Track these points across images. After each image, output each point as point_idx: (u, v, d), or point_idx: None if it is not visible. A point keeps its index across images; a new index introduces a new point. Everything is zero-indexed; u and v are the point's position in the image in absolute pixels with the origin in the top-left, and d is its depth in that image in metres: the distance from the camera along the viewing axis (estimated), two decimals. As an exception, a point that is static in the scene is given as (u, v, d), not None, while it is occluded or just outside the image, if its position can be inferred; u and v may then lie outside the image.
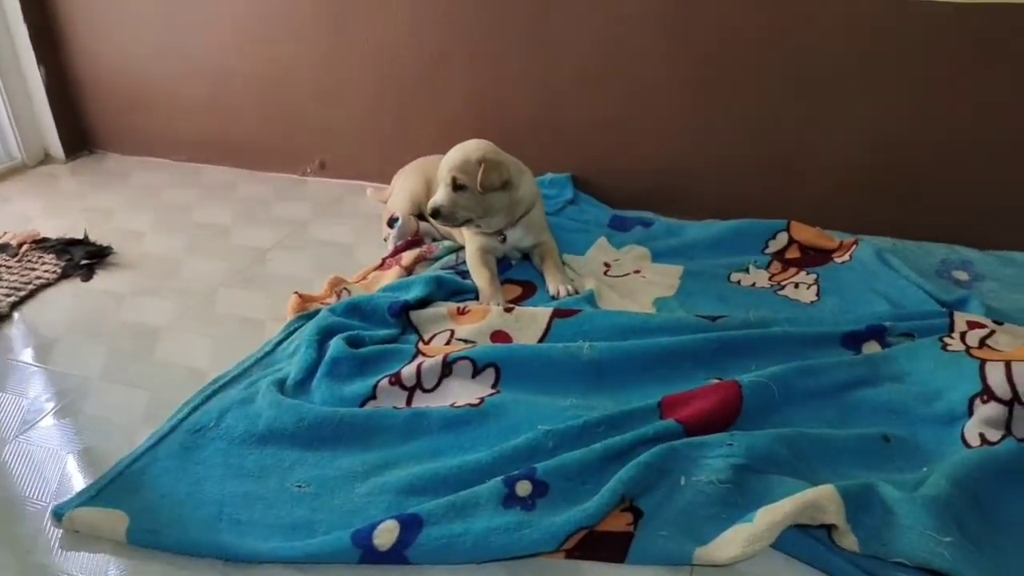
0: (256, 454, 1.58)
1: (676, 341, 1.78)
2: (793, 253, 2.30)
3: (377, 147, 2.97)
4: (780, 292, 2.11)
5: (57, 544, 1.41)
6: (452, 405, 1.67)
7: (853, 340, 1.80)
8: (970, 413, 1.53)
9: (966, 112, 2.22)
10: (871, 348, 1.78)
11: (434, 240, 2.47)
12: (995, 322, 1.80)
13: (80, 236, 2.60)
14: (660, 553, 1.30)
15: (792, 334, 1.81)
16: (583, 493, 1.39)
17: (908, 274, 2.07)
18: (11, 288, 2.29)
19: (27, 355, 2.00)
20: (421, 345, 1.89)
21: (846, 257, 2.22)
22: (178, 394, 1.77)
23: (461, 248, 2.34)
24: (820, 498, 1.27)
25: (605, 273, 2.26)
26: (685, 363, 1.75)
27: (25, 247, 2.54)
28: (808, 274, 2.18)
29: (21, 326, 2.14)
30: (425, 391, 1.73)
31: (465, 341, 1.89)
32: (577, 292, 2.10)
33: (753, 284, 2.17)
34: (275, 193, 3.02)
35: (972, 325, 1.78)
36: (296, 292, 2.13)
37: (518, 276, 2.24)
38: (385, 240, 2.52)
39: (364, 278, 2.26)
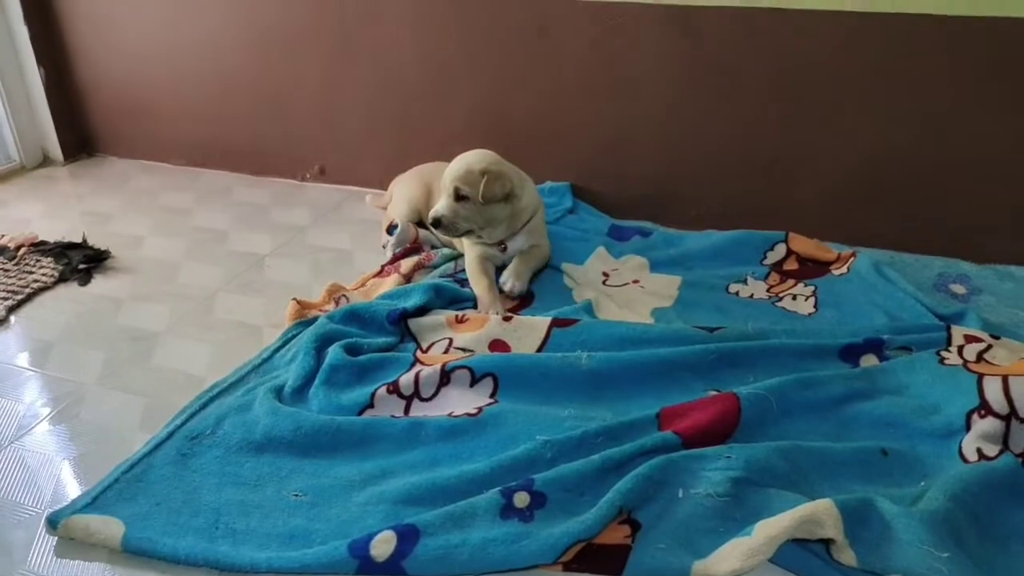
0: (253, 462, 1.57)
1: (674, 352, 1.78)
2: (791, 265, 2.30)
3: (377, 154, 2.98)
4: (778, 304, 2.12)
5: (52, 552, 1.40)
6: (450, 414, 1.66)
7: (851, 353, 1.81)
8: (968, 427, 1.53)
9: (965, 126, 2.23)
10: (869, 361, 1.79)
11: (433, 248, 2.47)
12: (992, 336, 1.80)
13: (78, 240, 2.59)
14: (658, 566, 1.30)
15: (790, 346, 1.81)
16: (581, 505, 1.39)
17: (906, 287, 2.07)
18: (8, 292, 2.28)
19: (23, 359, 1.99)
20: (419, 353, 1.89)
21: (844, 269, 2.22)
22: (175, 400, 1.77)
23: (460, 256, 2.34)
24: (818, 512, 1.27)
25: (604, 283, 2.26)
26: (683, 374, 1.75)
27: (23, 250, 2.53)
28: (806, 286, 2.18)
29: (17, 330, 2.13)
30: (423, 400, 1.73)
31: (463, 350, 1.89)
32: (520, 293, 2.12)
33: (751, 295, 2.17)
34: (274, 199, 3.02)
35: (969, 339, 1.79)
36: (294, 299, 2.13)
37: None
38: (384, 247, 2.52)
39: (363, 285, 2.26)
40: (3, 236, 2.62)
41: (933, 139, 2.28)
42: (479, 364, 1.76)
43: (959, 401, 1.57)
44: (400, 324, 1.99)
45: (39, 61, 3.21)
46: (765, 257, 2.33)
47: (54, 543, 1.41)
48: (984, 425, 1.51)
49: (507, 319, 1.96)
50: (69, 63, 3.31)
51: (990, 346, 1.74)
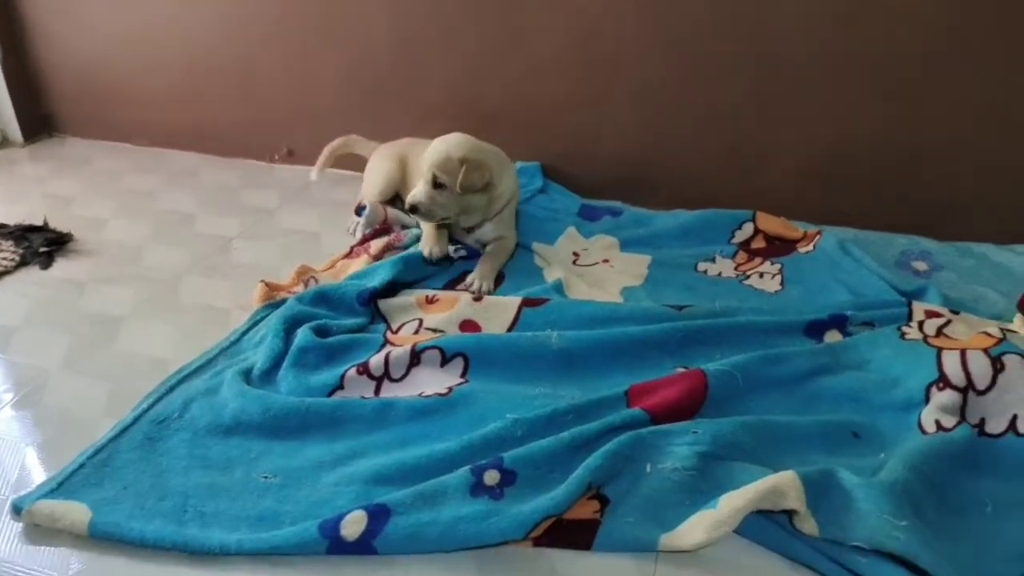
0: (221, 445, 1.56)
1: (643, 330, 1.79)
2: (759, 243, 2.33)
3: (347, 132, 2.93)
4: (745, 282, 2.14)
5: (16, 538, 1.38)
6: (420, 395, 1.67)
7: (816, 329, 1.84)
8: (927, 400, 1.57)
9: (929, 107, 2.27)
10: (833, 337, 1.82)
11: (403, 227, 2.46)
12: (952, 311, 1.84)
13: (39, 223, 2.54)
14: (627, 540, 1.32)
15: (756, 323, 1.84)
16: (551, 481, 1.40)
17: (869, 264, 2.11)
18: (-33, 276, 2.23)
19: (-17, 345, 1.95)
20: (389, 334, 1.89)
21: (810, 247, 2.25)
22: (141, 385, 1.75)
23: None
24: (781, 484, 1.29)
25: (574, 262, 2.27)
26: (652, 352, 1.77)
27: (-19, 234, 2.47)
28: (773, 264, 2.21)
29: (-23, 315, 2.09)
30: (393, 381, 1.73)
31: (434, 330, 1.89)
32: (486, 294, 2.07)
33: (719, 274, 2.20)
34: (241, 180, 2.98)
35: (930, 314, 1.83)
36: (262, 280, 2.11)
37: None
38: (350, 230, 2.50)
39: (332, 267, 2.25)
40: (-39, 220, 2.56)
41: (898, 120, 2.31)
42: (449, 344, 1.76)
43: (919, 375, 1.61)
44: (370, 305, 1.98)
45: (-4, 40, 3.13)
46: (733, 236, 2.35)
47: (19, 529, 1.39)
48: (942, 397, 1.54)
49: (477, 299, 1.96)
50: (29, 42, 3.22)
51: (949, 321, 1.78)
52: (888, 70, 2.27)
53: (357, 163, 2.75)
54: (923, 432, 1.51)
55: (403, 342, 1.81)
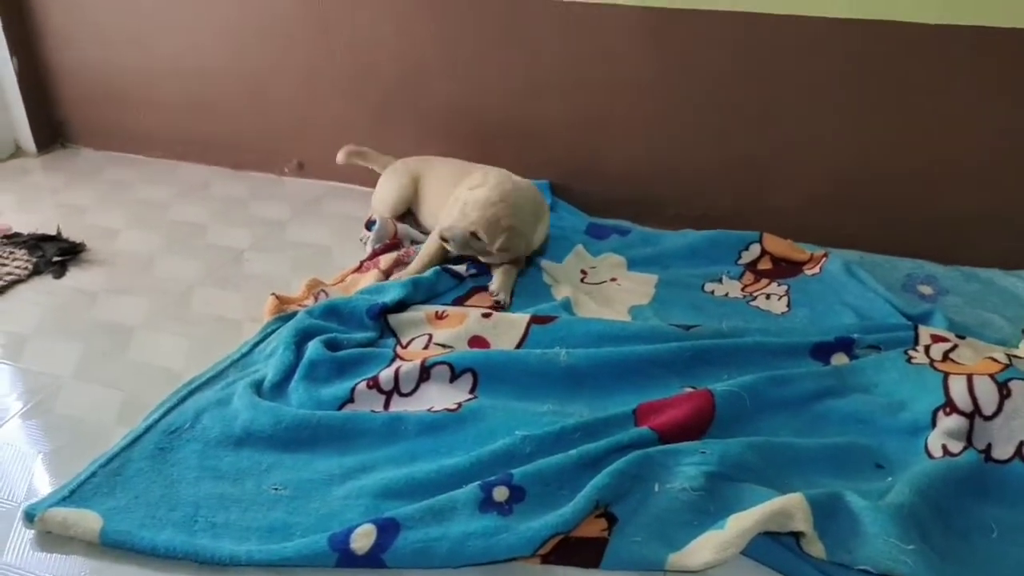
0: (232, 456, 1.58)
1: (651, 349, 1.81)
2: (765, 264, 2.34)
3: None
4: (752, 303, 2.16)
5: (28, 545, 1.39)
6: (430, 410, 1.68)
7: (822, 351, 1.85)
8: (933, 424, 1.58)
9: (936, 131, 2.29)
10: (839, 360, 1.83)
11: (413, 243, 2.48)
12: (958, 336, 1.85)
13: (53, 232, 2.56)
14: (634, 559, 1.33)
15: (763, 344, 1.85)
16: (559, 499, 1.41)
17: (875, 287, 2.12)
18: (-19, 284, 2.26)
19: (-4, 352, 1.97)
20: (399, 349, 1.90)
21: (816, 270, 2.27)
22: (153, 395, 1.76)
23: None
24: (789, 506, 1.30)
25: (582, 280, 2.29)
26: (660, 371, 1.78)
27: (-5, 242, 2.50)
28: (780, 285, 2.23)
29: (-9, 323, 2.11)
30: (403, 395, 1.74)
31: (443, 346, 1.91)
32: (507, 306, 2.11)
33: (726, 294, 2.21)
34: (252, 193, 3.01)
35: (936, 339, 1.84)
36: (273, 293, 2.13)
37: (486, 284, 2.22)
38: (363, 242, 2.52)
39: (342, 280, 2.26)
40: (-25, 228, 2.59)
41: (905, 144, 2.33)
42: (459, 360, 1.77)
43: (925, 399, 1.62)
44: (379, 319, 2.00)
45: (12, 51, 3.16)
46: (740, 257, 2.37)
47: (31, 537, 1.41)
48: (949, 422, 1.55)
49: (486, 315, 1.98)
50: (43, 53, 3.26)
51: (956, 346, 1.79)
52: (896, 94, 2.29)
53: (367, 178, 2.77)
54: (930, 456, 1.52)
55: (413, 357, 1.82)
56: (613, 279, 2.29)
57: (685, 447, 1.50)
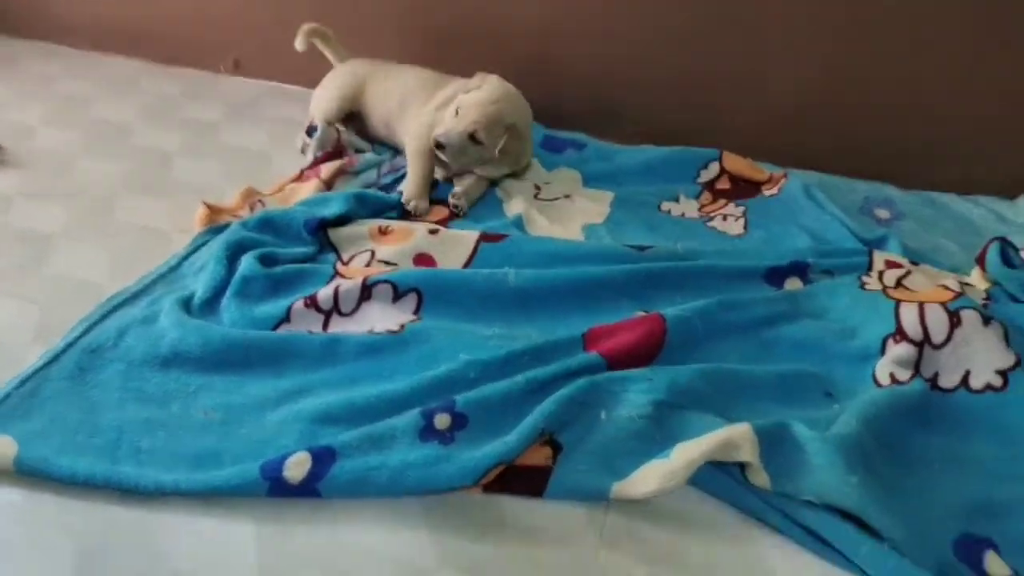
0: (159, 377, 1.48)
1: (603, 271, 1.75)
2: (724, 184, 2.27)
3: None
4: (709, 224, 2.10)
5: (-65, 473, 1.30)
6: (371, 331, 1.60)
7: (776, 275, 1.81)
8: (882, 352, 1.56)
9: (894, 52, 2.21)
10: (793, 284, 1.80)
11: (357, 151, 2.34)
12: (911, 262, 1.83)
13: (-40, 129, 2.35)
14: (578, 487, 1.30)
15: (717, 268, 1.80)
16: (503, 426, 1.36)
17: (833, 210, 2.08)
18: None
19: (-102, 261, 1.81)
20: (339, 266, 1.80)
21: (775, 190, 2.21)
22: (73, 311, 1.64)
23: (383, 162, 2.23)
24: (736, 436, 1.28)
25: (535, 196, 2.19)
26: (611, 294, 1.73)
27: None
28: (737, 206, 2.17)
29: None
30: (343, 315, 1.66)
31: (386, 263, 1.82)
32: (459, 213, 2.05)
33: (683, 214, 2.15)
34: (184, 91, 2.80)
35: (890, 264, 1.81)
36: (204, 202, 1.98)
37: (446, 197, 2.12)
38: (302, 151, 2.37)
39: (280, 190, 2.13)
40: None
41: (863, 65, 2.26)
42: (402, 279, 1.69)
43: (876, 326, 1.60)
44: (319, 233, 1.89)
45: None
46: (698, 175, 2.29)
47: (-63, 463, 1.31)
48: (898, 350, 1.54)
49: (433, 232, 1.88)
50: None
51: (909, 272, 1.77)
52: (863, 15, 2.19)
53: (310, 78, 2.58)
54: (877, 384, 1.51)
55: (354, 275, 1.73)
56: (567, 196, 2.20)
57: (633, 374, 1.45)
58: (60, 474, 1.28)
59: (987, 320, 1.53)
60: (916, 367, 1.52)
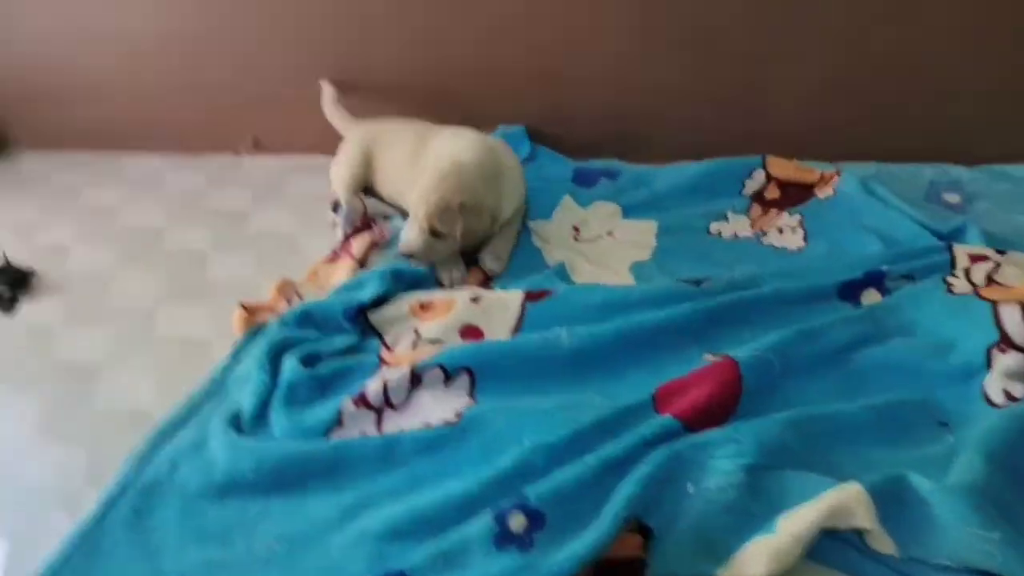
0: (216, 509, 1.42)
1: (662, 317, 1.62)
2: (772, 192, 2.13)
3: (313, 115, 2.70)
4: (764, 240, 1.96)
5: (4, 651, 1.25)
6: (427, 424, 1.51)
7: (850, 290, 1.67)
8: (989, 365, 1.40)
9: (945, 20, 2.03)
10: (871, 298, 1.65)
11: (385, 218, 2.27)
12: (997, 252, 1.67)
13: (-1, 261, 2.35)
14: (678, 578, 1.18)
15: (784, 292, 1.67)
16: (583, 517, 1.25)
17: (897, 204, 1.92)
18: (-76, 334, 2.06)
19: (-56, 415, 1.79)
20: (384, 352, 1.72)
21: (829, 191, 2.06)
22: (123, 444, 1.58)
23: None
24: (846, 500, 1.14)
25: (575, 238, 2.09)
26: (675, 339, 1.60)
27: (-65, 281, 2.28)
28: (791, 215, 2.02)
29: (-62, 378, 1.92)
30: (394, 408, 1.57)
31: (433, 341, 1.73)
32: (497, 275, 1.93)
33: (734, 234, 2.01)
34: (208, 180, 2.77)
35: (975, 258, 1.65)
36: (242, 304, 1.93)
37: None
38: (332, 225, 2.31)
39: (314, 275, 2.06)
40: (-88, 266, 2.36)
41: (911, 37, 2.08)
42: (450, 359, 1.59)
43: (976, 335, 1.45)
44: (359, 319, 1.81)
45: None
46: (744, 187, 2.16)
47: (5, 640, 1.27)
48: (1007, 361, 1.38)
49: (475, 300, 1.79)
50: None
51: (998, 264, 1.61)
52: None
53: (332, 146, 2.53)
54: (991, 404, 1.35)
55: (400, 361, 1.64)
56: (609, 233, 2.08)
57: (715, 436, 1.33)
58: (129, 636, 1.21)
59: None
60: (1031, 378, 1.36)
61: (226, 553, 1.33)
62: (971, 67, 2.08)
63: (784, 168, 2.14)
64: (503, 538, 1.23)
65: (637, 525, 1.24)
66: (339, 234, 2.23)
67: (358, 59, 2.55)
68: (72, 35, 2.79)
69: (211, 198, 2.64)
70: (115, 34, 2.75)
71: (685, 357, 1.57)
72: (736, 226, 2.03)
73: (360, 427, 1.55)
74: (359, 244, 2.10)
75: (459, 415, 1.50)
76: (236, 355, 1.79)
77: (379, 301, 1.85)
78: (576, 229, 2.12)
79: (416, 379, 1.58)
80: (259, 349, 1.73)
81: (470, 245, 1.97)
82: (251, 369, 1.70)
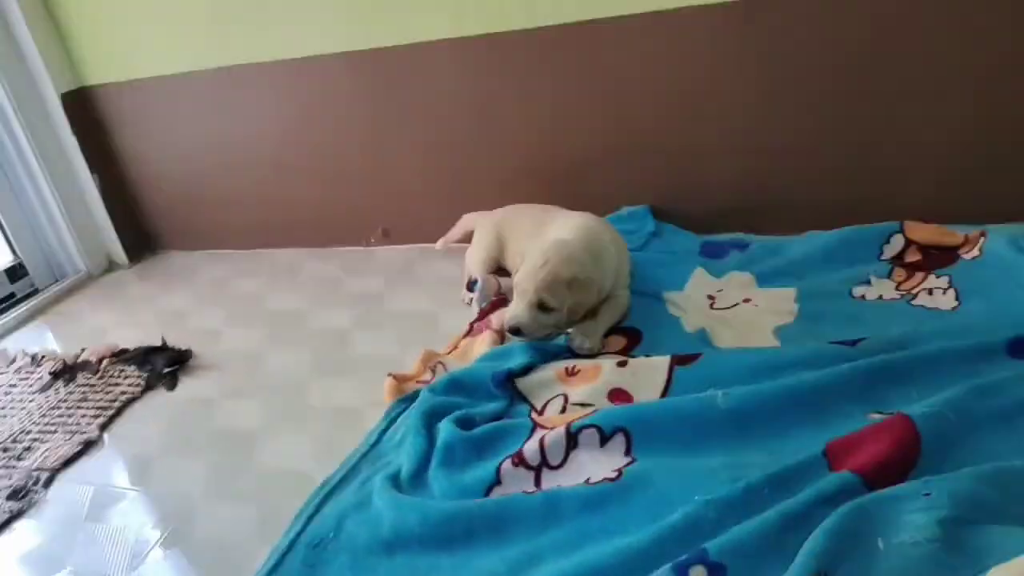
0: (386, 565, 1.44)
1: (821, 376, 1.59)
2: (913, 256, 2.09)
3: (438, 206, 2.86)
4: (914, 302, 1.91)
5: None
6: (587, 482, 1.50)
7: (1020, 347, 1.60)
8: None
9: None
10: (1043, 354, 1.58)
11: (517, 296, 2.33)
12: None
13: (158, 343, 2.53)
14: (878, 635, 1.11)
15: (949, 350, 1.61)
16: (767, 573, 1.21)
17: (1054, 261, 1.85)
18: (98, 408, 2.22)
19: (123, 479, 1.91)
20: (535, 416, 1.74)
21: (975, 252, 2.01)
22: (288, 503, 1.65)
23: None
24: (1064, 551, 1.07)
25: (711, 307, 2.09)
26: (836, 399, 1.56)
27: (105, 362, 2.48)
28: (939, 277, 1.98)
29: (113, 448, 2.05)
30: (552, 468, 1.57)
31: (582, 405, 1.74)
32: (589, 352, 1.91)
33: (880, 297, 1.97)
34: (343, 269, 2.94)
35: None
36: (390, 373, 2.01)
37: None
38: (466, 303, 2.40)
39: (456, 347, 2.13)
40: (83, 350, 2.58)
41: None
42: (606, 420, 1.60)
43: None
44: (507, 386, 1.85)
45: (91, 167, 3.21)
46: (882, 251, 2.13)
47: None
48: None
49: (622, 364, 1.80)
50: (121, 165, 3.31)
51: None
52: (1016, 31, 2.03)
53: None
54: None
55: (553, 423, 1.66)
56: (746, 300, 2.08)
57: (903, 490, 1.27)
58: None
59: None
60: None
61: (400, 606, 1.34)
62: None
63: (924, 232, 2.11)
64: (686, 590, 1.20)
65: (826, 580, 1.19)
66: (475, 309, 2.31)
67: (484, 148, 2.70)
68: (215, 147, 3.10)
69: (347, 284, 2.80)
70: (257, 149, 3.04)
71: (848, 416, 1.52)
72: (881, 289, 2.00)
73: (519, 486, 1.56)
74: (497, 318, 2.17)
75: (620, 473, 1.49)
76: (389, 420, 1.85)
77: (525, 369, 1.89)
78: (711, 298, 2.12)
79: (572, 440, 1.59)
80: (413, 415, 1.78)
81: (575, 320, 1.99)
82: (407, 433, 1.75)
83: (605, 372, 1.79)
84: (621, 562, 1.30)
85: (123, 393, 2.28)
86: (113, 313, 2.93)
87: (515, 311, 1.94)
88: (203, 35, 2.84)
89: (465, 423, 1.73)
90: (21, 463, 2.01)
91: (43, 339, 2.81)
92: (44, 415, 2.22)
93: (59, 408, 2.25)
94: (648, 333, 2.01)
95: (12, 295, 3.10)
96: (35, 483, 1.93)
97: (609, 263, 2.05)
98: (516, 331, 1.93)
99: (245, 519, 1.68)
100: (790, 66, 2.25)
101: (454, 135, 2.72)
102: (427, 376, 2.01)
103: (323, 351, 2.33)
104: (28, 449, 2.07)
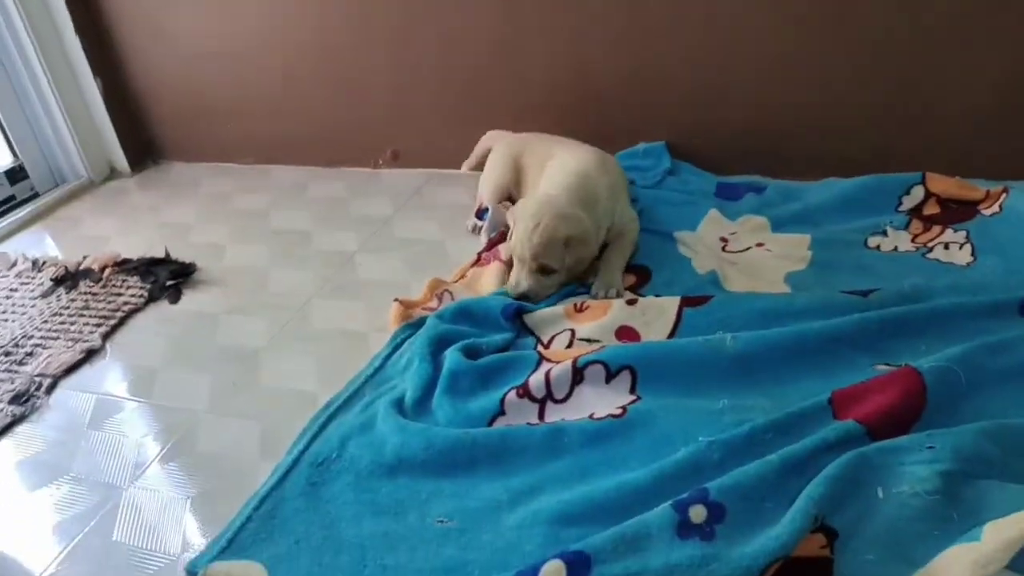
0: (389, 486, 1.46)
1: (830, 325, 1.59)
2: (932, 209, 2.06)
3: (450, 130, 2.80)
4: (929, 255, 1.90)
5: (195, 603, 1.31)
6: (591, 416, 1.51)
7: (1033, 306, 1.59)
8: None
9: None
10: (1056, 315, 1.57)
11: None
12: None
13: (161, 255, 2.51)
14: (869, 580, 1.13)
15: (961, 305, 1.60)
16: (765, 514, 1.22)
17: (1073, 221, 1.83)
18: (100, 317, 2.21)
19: (125, 389, 1.91)
20: (541, 349, 1.74)
21: (995, 208, 1.98)
22: (291, 422, 1.66)
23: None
24: (1063, 511, 1.08)
25: (723, 249, 2.07)
26: (844, 349, 1.56)
27: (108, 271, 2.46)
28: (956, 231, 1.95)
29: (115, 358, 2.05)
30: (557, 402, 1.58)
31: (588, 340, 1.74)
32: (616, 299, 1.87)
33: (895, 248, 1.95)
34: (350, 190, 2.89)
35: None
36: (396, 299, 2.00)
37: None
38: (473, 231, 2.38)
39: (463, 276, 2.12)
40: (85, 257, 2.56)
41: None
42: (613, 357, 1.60)
43: None
44: (515, 319, 1.84)
45: (95, 72, 3.12)
46: (901, 203, 2.10)
47: (196, 594, 1.33)
48: None
49: (631, 302, 1.79)
50: (125, 71, 3.21)
51: None
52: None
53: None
54: None
55: (560, 357, 1.66)
56: (759, 244, 2.06)
57: (907, 442, 1.28)
58: (313, 599, 1.25)
59: None
60: None
61: (400, 526, 1.36)
62: None
63: (945, 184, 2.07)
64: (684, 527, 1.22)
65: (821, 524, 1.20)
66: (483, 239, 2.28)
67: (504, 77, 2.63)
68: (224, 57, 3.00)
69: (354, 206, 2.76)
70: (264, 57, 2.94)
71: (855, 367, 1.53)
72: (897, 240, 1.98)
73: (523, 417, 1.57)
74: (506, 248, 2.14)
75: (624, 410, 1.50)
76: (395, 345, 1.85)
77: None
78: (724, 240, 2.10)
79: (578, 374, 1.59)
80: (420, 341, 1.78)
81: (580, 272, 1.98)
82: (412, 358, 1.75)
83: (614, 309, 1.78)
84: (622, 497, 1.32)
85: (126, 303, 2.27)
86: (114, 221, 2.89)
87: (517, 279, 1.93)
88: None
89: (471, 352, 1.72)
90: (23, 368, 2.02)
91: (43, 244, 2.78)
92: (46, 321, 2.22)
93: (61, 315, 2.24)
94: (658, 272, 2.00)
95: (12, 197, 3.06)
96: (37, 388, 1.93)
97: (602, 205, 2.01)
98: (524, 298, 1.91)
99: (247, 435, 1.69)
100: (821, 5, 2.16)
101: (473, 54, 2.64)
102: (433, 303, 2.00)
103: (328, 273, 2.31)
104: (30, 355, 2.07)
